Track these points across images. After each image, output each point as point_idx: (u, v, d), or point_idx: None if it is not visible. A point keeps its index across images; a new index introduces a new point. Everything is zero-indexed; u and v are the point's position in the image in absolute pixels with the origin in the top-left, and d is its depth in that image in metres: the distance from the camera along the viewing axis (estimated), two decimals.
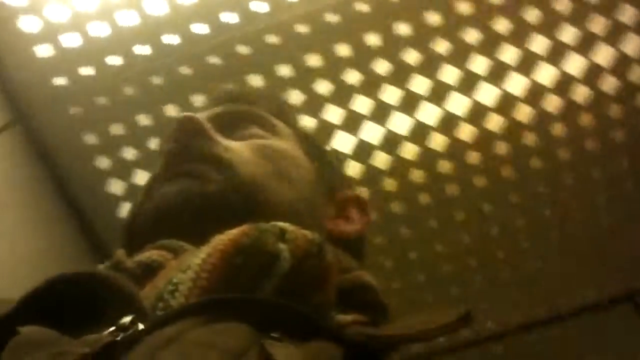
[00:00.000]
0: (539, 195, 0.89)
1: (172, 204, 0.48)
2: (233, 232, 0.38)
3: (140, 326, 0.31)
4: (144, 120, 0.83)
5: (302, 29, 0.79)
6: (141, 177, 0.85)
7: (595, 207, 0.90)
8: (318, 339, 0.34)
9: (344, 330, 0.37)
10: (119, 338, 0.30)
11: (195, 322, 0.32)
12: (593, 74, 0.82)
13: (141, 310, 0.33)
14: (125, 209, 0.87)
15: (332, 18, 0.78)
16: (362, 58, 0.81)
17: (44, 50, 0.79)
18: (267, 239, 0.38)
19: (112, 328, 0.31)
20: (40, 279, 0.35)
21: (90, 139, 0.84)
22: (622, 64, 0.82)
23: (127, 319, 0.32)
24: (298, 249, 0.38)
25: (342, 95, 0.82)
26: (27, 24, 0.78)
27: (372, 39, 0.80)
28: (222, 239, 0.38)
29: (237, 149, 0.52)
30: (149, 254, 0.42)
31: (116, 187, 0.86)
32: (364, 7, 0.78)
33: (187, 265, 0.37)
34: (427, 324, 0.36)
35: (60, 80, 0.81)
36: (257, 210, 0.47)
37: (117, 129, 0.83)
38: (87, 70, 0.80)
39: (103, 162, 0.85)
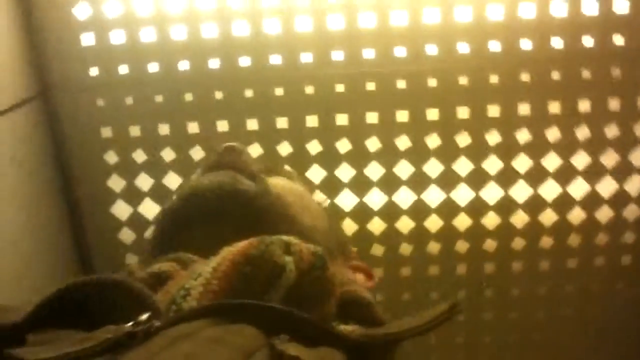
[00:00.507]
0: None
1: (206, 188, 0.50)
2: (242, 244, 0.40)
3: (157, 323, 0.33)
4: (164, 129, 0.85)
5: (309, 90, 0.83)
6: (143, 181, 0.87)
7: None
8: (322, 344, 0.35)
9: (346, 334, 0.38)
10: (138, 329, 0.32)
11: (207, 323, 0.34)
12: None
13: (157, 310, 0.35)
14: (120, 209, 0.89)
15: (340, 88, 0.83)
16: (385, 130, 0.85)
17: (89, 39, 0.82)
18: (274, 251, 0.39)
19: (131, 323, 0.33)
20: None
21: (106, 132, 0.86)
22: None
23: (144, 317, 0.34)
24: (303, 261, 0.40)
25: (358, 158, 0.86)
26: (80, 12, 0.80)
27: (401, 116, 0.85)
28: (231, 250, 0.40)
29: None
30: (159, 266, 0.44)
31: (117, 184, 0.87)
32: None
33: (198, 273, 0.39)
34: (420, 320, 0.38)
35: (95, 71, 0.83)
36: (278, 220, 0.49)
37: (134, 131, 0.85)
38: (124, 69, 0.83)
39: (112, 158, 0.87)
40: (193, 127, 0.84)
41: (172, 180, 0.87)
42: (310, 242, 0.46)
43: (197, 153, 0.85)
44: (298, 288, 0.39)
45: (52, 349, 0.31)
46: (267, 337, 0.34)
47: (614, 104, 0.84)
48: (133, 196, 0.88)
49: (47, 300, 0.36)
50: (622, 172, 0.87)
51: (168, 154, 0.86)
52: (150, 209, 0.88)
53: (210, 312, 0.35)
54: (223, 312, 0.35)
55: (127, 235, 0.90)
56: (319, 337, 0.36)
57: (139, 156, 0.86)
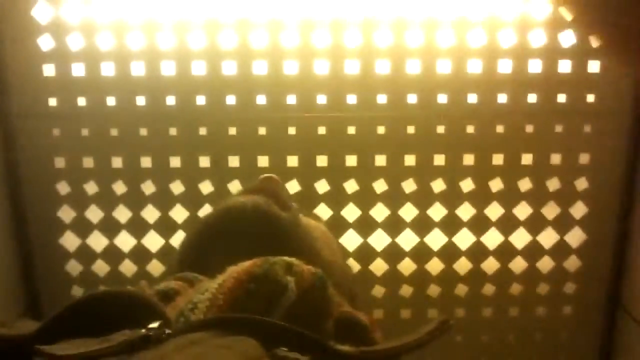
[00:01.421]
0: None
1: (242, 206, 0.53)
2: (247, 263, 0.43)
3: (167, 330, 0.36)
4: (117, 162, 0.86)
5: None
6: (93, 213, 0.87)
7: None
8: (320, 359, 0.37)
9: (342, 351, 0.39)
10: (151, 334, 0.35)
11: (213, 334, 0.36)
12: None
13: (167, 319, 0.37)
14: (68, 240, 0.89)
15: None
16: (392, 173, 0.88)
17: (50, 70, 0.83)
18: (277, 271, 0.42)
19: (144, 329, 0.35)
20: None
21: (60, 162, 0.86)
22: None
23: (156, 324, 0.36)
24: (304, 281, 0.42)
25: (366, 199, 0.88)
26: (43, 42, 0.82)
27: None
28: (236, 269, 0.43)
29: None
30: (167, 284, 0.46)
31: (67, 214, 0.88)
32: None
33: (205, 289, 0.41)
34: (412, 337, 0.40)
35: (54, 101, 0.84)
36: (303, 250, 0.52)
37: (88, 162, 0.86)
38: (82, 101, 0.84)
39: (63, 188, 0.87)
40: (146, 162, 0.86)
41: (123, 214, 0.87)
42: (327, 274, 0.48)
43: (148, 187, 0.86)
44: (298, 306, 0.41)
45: (76, 346, 0.33)
46: (268, 349, 0.36)
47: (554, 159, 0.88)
48: (82, 228, 0.88)
49: (62, 312, 0.38)
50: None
51: (120, 187, 0.86)
52: (98, 242, 0.88)
53: (216, 324, 0.37)
54: (228, 324, 0.37)
55: (74, 267, 0.90)
56: (316, 353, 0.37)
57: (91, 188, 0.86)
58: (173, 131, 0.85)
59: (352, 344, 0.42)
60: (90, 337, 0.36)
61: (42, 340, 0.36)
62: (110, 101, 0.84)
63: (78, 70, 0.83)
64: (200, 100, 0.84)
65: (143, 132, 0.85)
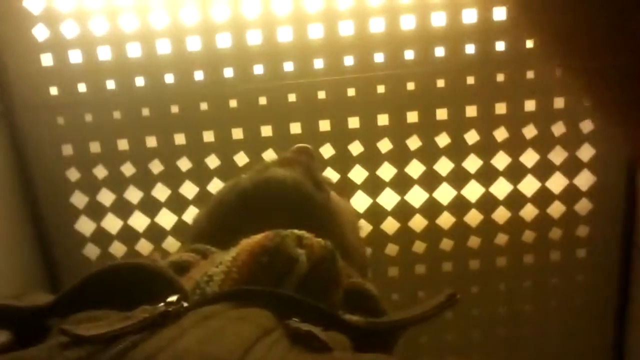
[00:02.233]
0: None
1: (281, 180, 0.53)
2: (258, 237, 0.44)
3: (185, 304, 0.36)
4: (123, 144, 0.87)
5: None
6: (105, 196, 0.89)
7: None
8: (329, 330, 0.38)
9: (351, 321, 0.41)
10: (170, 309, 0.35)
11: (229, 306, 0.37)
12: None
13: (185, 293, 0.38)
14: (83, 225, 0.90)
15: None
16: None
17: (48, 59, 0.84)
18: (289, 244, 0.43)
19: (162, 304, 0.36)
20: None
21: (67, 149, 0.88)
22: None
23: (173, 298, 0.37)
24: (314, 254, 0.43)
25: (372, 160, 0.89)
26: (39, 33, 0.83)
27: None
28: (249, 242, 0.44)
29: None
30: (180, 255, 0.47)
31: (80, 200, 0.89)
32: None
33: (220, 262, 0.42)
34: (420, 309, 0.41)
35: (55, 90, 0.85)
36: (330, 232, 0.51)
37: (94, 147, 0.87)
38: (82, 87, 0.85)
39: (73, 175, 0.88)
40: (151, 141, 0.86)
41: (134, 195, 0.88)
42: (349, 259, 0.50)
43: (156, 166, 0.87)
44: (309, 278, 0.42)
45: (99, 326, 0.34)
46: (281, 320, 0.37)
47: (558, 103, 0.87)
48: (96, 212, 0.89)
49: (79, 284, 0.39)
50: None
51: (128, 169, 0.87)
52: (113, 224, 0.90)
53: (232, 296, 0.38)
54: (242, 297, 0.38)
55: (91, 251, 0.91)
56: (326, 323, 0.38)
57: (100, 172, 0.88)
58: (175, 109, 0.85)
59: (361, 313, 0.43)
60: (106, 310, 0.37)
61: (58, 312, 0.37)
62: (110, 85, 0.85)
63: (75, 57, 0.84)
64: (199, 75, 0.84)
65: (145, 112, 0.86)
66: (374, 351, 0.40)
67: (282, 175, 0.54)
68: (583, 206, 0.92)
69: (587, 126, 0.88)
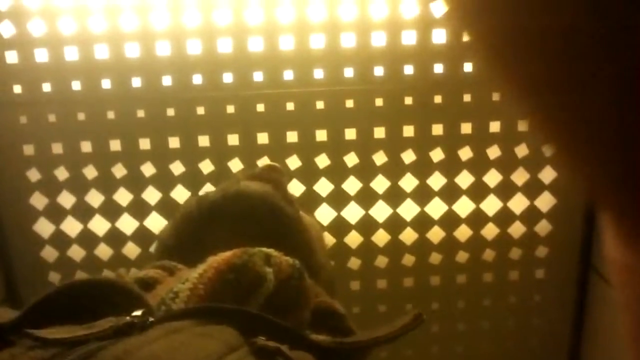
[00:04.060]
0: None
1: (253, 193, 0.53)
2: (226, 254, 0.44)
3: (150, 318, 0.36)
4: (86, 146, 0.86)
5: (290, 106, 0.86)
6: (65, 198, 0.87)
7: None
8: (296, 349, 0.38)
9: (318, 341, 0.41)
10: (136, 321, 0.35)
11: (195, 322, 0.37)
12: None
13: (150, 307, 0.38)
14: (42, 226, 0.89)
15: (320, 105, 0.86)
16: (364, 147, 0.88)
17: (12, 57, 0.82)
18: (256, 262, 0.43)
19: (128, 317, 0.36)
20: None
21: (29, 149, 0.86)
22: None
23: (138, 312, 0.37)
24: (282, 272, 0.43)
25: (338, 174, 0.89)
26: (4, 30, 0.81)
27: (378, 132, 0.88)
28: (216, 259, 0.43)
29: None
30: (146, 272, 0.47)
31: (40, 201, 0.87)
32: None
33: (186, 278, 0.42)
34: (388, 329, 0.42)
35: (18, 89, 0.83)
36: (300, 248, 0.53)
37: (57, 148, 0.86)
38: (47, 87, 0.83)
39: (34, 175, 0.87)
40: (115, 145, 0.85)
41: (95, 198, 0.87)
42: (316, 277, 0.51)
43: (119, 170, 0.86)
44: (276, 296, 0.42)
45: (64, 331, 0.34)
46: (247, 338, 0.37)
47: (522, 125, 0.89)
48: (56, 214, 0.88)
49: (42, 299, 0.38)
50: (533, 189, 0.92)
51: (90, 172, 0.86)
52: (72, 227, 0.88)
53: (197, 313, 0.38)
54: (208, 314, 0.38)
55: (49, 253, 0.90)
56: (293, 342, 0.38)
57: (62, 174, 0.86)
58: (140, 113, 0.84)
59: (328, 332, 0.44)
60: (72, 324, 0.37)
61: (22, 327, 0.36)
62: (76, 85, 0.83)
63: (41, 55, 0.82)
64: (167, 80, 0.83)
65: (110, 115, 0.84)
66: None
67: (253, 188, 0.54)
68: (543, 227, 0.94)
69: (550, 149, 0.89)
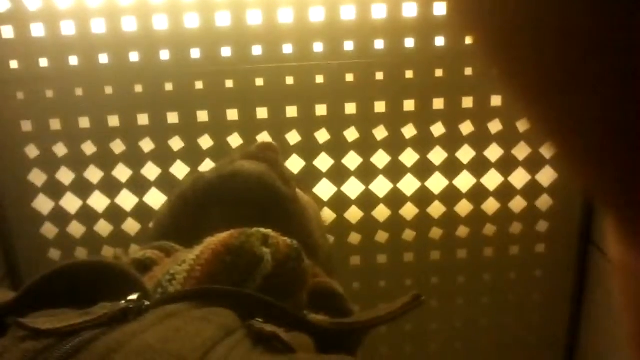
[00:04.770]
0: None
1: (248, 173, 0.52)
2: (223, 235, 0.43)
3: (146, 302, 0.36)
4: (84, 122, 0.85)
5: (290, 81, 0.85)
6: (64, 174, 0.87)
7: None
8: (294, 330, 0.38)
9: (316, 322, 0.41)
10: (131, 306, 0.35)
11: (191, 305, 0.37)
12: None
13: (146, 291, 0.37)
14: (41, 203, 0.88)
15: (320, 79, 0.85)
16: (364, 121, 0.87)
17: (8, 32, 0.81)
18: (254, 243, 0.42)
19: (123, 301, 0.35)
20: None
21: (27, 125, 0.85)
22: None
23: (134, 296, 0.36)
24: (279, 253, 0.43)
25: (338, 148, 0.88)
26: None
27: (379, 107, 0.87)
28: (213, 240, 0.43)
29: None
30: (143, 253, 0.46)
31: (38, 178, 0.87)
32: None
33: (183, 260, 0.42)
34: (384, 310, 0.42)
35: (15, 64, 0.82)
36: (297, 229, 0.52)
37: (55, 124, 0.85)
38: (44, 62, 0.82)
39: (32, 152, 0.86)
40: (113, 120, 0.85)
41: (94, 174, 0.87)
42: (315, 258, 0.50)
43: (117, 146, 0.86)
44: (274, 277, 0.42)
45: (57, 320, 0.33)
46: (244, 320, 0.36)
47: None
48: (55, 190, 0.87)
49: (37, 282, 0.38)
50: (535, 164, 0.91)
51: (89, 148, 0.86)
52: (71, 203, 0.88)
53: (194, 295, 0.38)
54: (205, 296, 0.38)
55: (49, 230, 0.89)
56: (290, 324, 0.38)
57: (60, 150, 0.86)
58: (138, 88, 0.84)
59: (327, 313, 0.43)
60: (67, 308, 0.36)
61: (18, 310, 0.36)
62: (73, 60, 0.82)
63: (37, 30, 0.81)
64: (165, 55, 0.82)
65: (109, 90, 0.84)
66: (339, 352, 0.40)
67: (249, 168, 0.53)
68: (544, 202, 0.93)
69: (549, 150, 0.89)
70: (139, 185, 0.87)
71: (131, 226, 0.89)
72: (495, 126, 0.89)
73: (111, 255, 0.49)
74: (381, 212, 0.92)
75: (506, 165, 0.91)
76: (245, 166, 0.54)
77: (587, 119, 0.15)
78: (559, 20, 0.13)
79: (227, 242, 0.42)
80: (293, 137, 0.87)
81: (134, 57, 0.82)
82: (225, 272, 0.41)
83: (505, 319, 0.99)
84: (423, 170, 0.90)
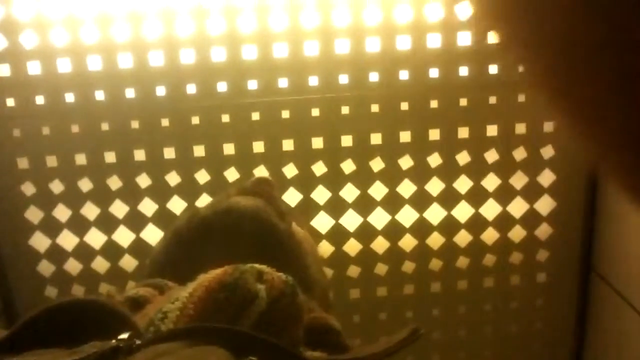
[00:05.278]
0: None
1: (244, 209, 0.52)
2: (216, 272, 0.42)
3: (137, 341, 0.35)
4: (81, 159, 0.85)
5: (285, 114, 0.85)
6: (61, 212, 0.87)
7: None
8: None
9: (312, 358, 0.40)
10: (121, 345, 0.34)
11: (184, 344, 0.36)
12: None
13: (137, 329, 0.37)
14: (38, 241, 0.88)
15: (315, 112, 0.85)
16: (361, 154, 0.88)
17: (5, 70, 0.82)
18: (248, 279, 0.41)
19: (114, 340, 0.35)
20: None
21: (23, 163, 0.85)
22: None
23: (125, 335, 0.35)
24: (274, 289, 0.42)
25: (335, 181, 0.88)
26: None
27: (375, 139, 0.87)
28: (207, 277, 0.42)
29: None
30: (136, 291, 0.46)
31: (35, 215, 0.87)
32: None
33: (176, 298, 0.41)
34: (385, 344, 0.41)
35: (11, 102, 0.83)
36: (293, 263, 0.52)
37: (51, 161, 0.85)
38: (40, 99, 0.83)
39: (29, 189, 0.86)
40: (110, 157, 0.85)
41: (90, 211, 0.86)
42: (310, 293, 0.49)
43: (114, 182, 0.85)
44: (269, 314, 0.41)
45: (47, 358, 0.33)
46: (238, 359, 0.36)
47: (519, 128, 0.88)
48: (51, 228, 0.87)
49: (28, 321, 0.37)
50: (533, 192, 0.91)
51: (85, 184, 0.85)
52: (68, 240, 0.87)
53: (186, 334, 0.37)
54: (198, 334, 0.37)
55: (46, 267, 0.89)
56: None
57: (57, 187, 0.86)
58: (135, 124, 0.84)
59: (324, 349, 0.43)
60: (59, 346, 0.36)
61: (8, 349, 0.35)
62: (69, 98, 0.83)
63: (33, 68, 0.82)
64: (161, 91, 0.83)
65: (105, 126, 0.84)
66: None
67: (245, 204, 0.53)
68: (543, 231, 0.93)
69: (548, 152, 0.89)
70: (136, 221, 0.87)
71: (128, 262, 0.89)
72: (491, 156, 0.89)
73: (105, 292, 0.48)
74: (380, 244, 0.91)
75: (504, 194, 0.90)
76: (240, 202, 0.54)
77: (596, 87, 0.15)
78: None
79: (221, 278, 0.42)
80: (290, 170, 0.87)
81: (130, 93, 0.83)
82: (219, 310, 0.40)
83: (508, 349, 0.98)
84: (421, 201, 0.89)
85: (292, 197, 0.87)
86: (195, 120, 0.84)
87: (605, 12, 0.13)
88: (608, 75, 0.14)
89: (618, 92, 0.14)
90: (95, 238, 0.88)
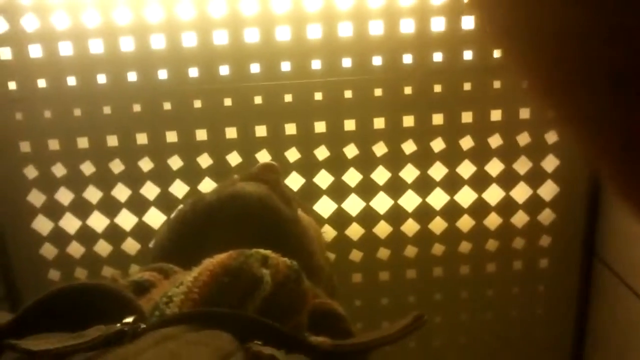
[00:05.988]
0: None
1: (249, 195, 0.52)
2: (221, 256, 0.43)
3: (142, 325, 0.35)
4: (83, 142, 0.85)
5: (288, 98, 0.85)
6: (63, 195, 0.87)
7: None
8: (293, 353, 0.37)
9: (316, 343, 0.40)
10: (126, 329, 0.34)
11: (188, 328, 0.36)
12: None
13: (142, 314, 0.37)
14: (40, 224, 0.88)
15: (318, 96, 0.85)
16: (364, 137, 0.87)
17: (6, 53, 0.81)
18: (252, 264, 0.42)
19: (119, 324, 0.35)
20: None
21: (25, 146, 0.85)
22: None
23: (130, 319, 0.36)
24: (279, 274, 0.42)
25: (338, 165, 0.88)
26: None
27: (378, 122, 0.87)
28: (212, 261, 0.42)
29: None
30: (141, 275, 0.46)
31: (37, 198, 0.87)
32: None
33: (180, 282, 0.41)
34: (388, 331, 0.41)
35: (13, 85, 0.82)
36: (298, 249, 0.52)
37: (53, 144, 0.85)
38: (42, 83, 0.82)
39: (31, 172, 0.86)
40: (112, 140, 0.84)
41: (93, 194, 0.86)
42: (315, 279, 0.49)
43: (116, 166, 0.85)
44: (273, 299, 0.41)
45: (51, 342, 0.33)
46: (242, 343, 0.36)
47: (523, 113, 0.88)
48: (54, 211, 0.87)
49: (33, 305, 0.37)
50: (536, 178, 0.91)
51: (88, 168, 0.85)
52: (71, 224, 0.88)
53: (191, 318, 0.37)
54: (202, 319, 0.37)
55: (49, 251, 0.89)
56: (290, 346, 0.37)
57: (59, 170, 0.85)
58: (137, 107, 0.83)
59: (328, 334, 0.42)
60: (63, 331, 0.36)
61: (13, 333, 0.35)
62: (71, 81, 0.82)
63: (35, 51, 0.81)
64: (162, 74, 0.82)
65: (107, 110, 0.84)
66: None
67: (249, 190, 0.53)
68: (546, 216, 0.93)
69: (552, 137, 0.89)
70: (138, 205, 0.87)
71: (131, 246, 0.89)
72: (495, 141, 0.88)
73: (109, 276, 0.48)
74: (382, 229, 0.91)
75: (507, 179, 0.90)
76: (245, 188, 0.54)
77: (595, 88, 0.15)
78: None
79: (226, 263, 0.42)
80: (292, 155, 0.86)
81: (132, 76, 0.82)
82: (223, 294, 0.40)
83: (509, 334, 0.98)
84: (424, 185, 0.89)
85: (294, 181, 0.87)
86: (198, 103, 0.84)
87: (610, 35, 0.13)
88: (604, 80, 0.14)
89: (615, 102, 0.14)
90: (98, 221, 0.88)
